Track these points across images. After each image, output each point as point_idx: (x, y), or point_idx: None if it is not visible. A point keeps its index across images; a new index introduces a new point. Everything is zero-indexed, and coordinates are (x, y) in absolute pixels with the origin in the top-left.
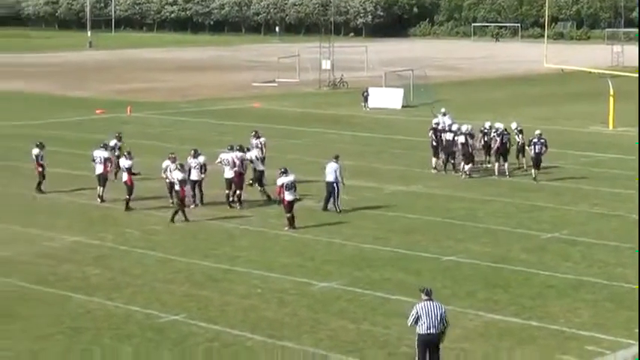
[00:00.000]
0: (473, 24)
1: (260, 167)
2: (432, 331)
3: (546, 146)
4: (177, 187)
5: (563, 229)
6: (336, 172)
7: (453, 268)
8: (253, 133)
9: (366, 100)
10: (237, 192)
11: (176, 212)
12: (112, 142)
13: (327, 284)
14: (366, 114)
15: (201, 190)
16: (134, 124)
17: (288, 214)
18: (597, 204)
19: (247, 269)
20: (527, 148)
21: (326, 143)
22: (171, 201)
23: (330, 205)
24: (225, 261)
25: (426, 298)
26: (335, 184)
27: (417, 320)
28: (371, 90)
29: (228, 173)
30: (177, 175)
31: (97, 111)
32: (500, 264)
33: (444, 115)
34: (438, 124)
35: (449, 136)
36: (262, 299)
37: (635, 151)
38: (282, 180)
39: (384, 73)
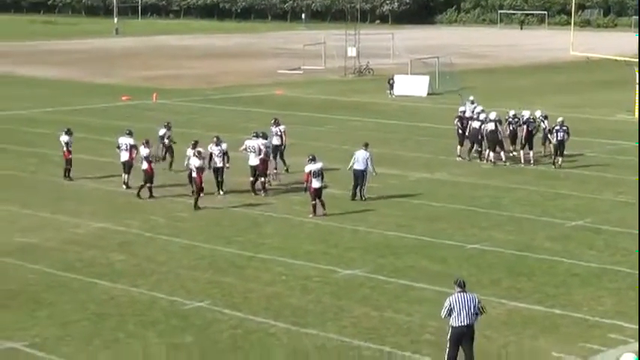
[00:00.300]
0: (499, 11)
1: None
2: (466, 322)
3: (568, 134)
4: (194, 174)
5: (587, 217)
6: (367, 160)
7: (476, 256)
8: (273, 120)
9: (391, 87)
10: (262, 179)
11: (197, 200)
12: (162, 132)
13: (350, 271)
14: (392, 101)
15: (222, 178)
16: (159, 111)
17: (314, 202)
18: (622, 192)
19: (271, 256)
20: (549, 135)
21: (351, 131)
22: (192, 190)
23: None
24: (249, 248)
25: (459, 290)
26: (364, 172)
27: (450, 312)
28: (396, 77)
29: (254, 160)
30: (194, 162)
31: (123, 98)
32: (525, 252)
33: (472, 103)
34: (464, 112)
35: (475, 124)
36: (286, 286)
37: None
38: (310, 167)
39: (409, 61)
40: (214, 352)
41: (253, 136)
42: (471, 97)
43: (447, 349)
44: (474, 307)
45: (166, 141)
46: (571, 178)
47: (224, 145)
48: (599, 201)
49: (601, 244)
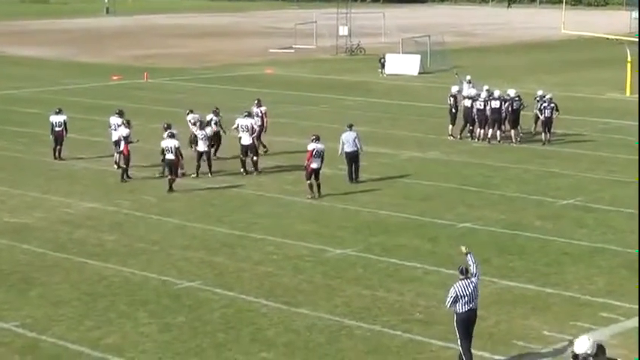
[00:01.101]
0: None
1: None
2: (472, 306)
3: (557, 110)
4: (168, 156)
5: (578, 195)
6: (355, 140)
7: (468, 235)
8: (256, 101)
9: (382, 66)
10: (255, 158)
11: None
12: (209, 117)
13: (342, 251)
14: (383, 80)
15: (209, 161)
16: (150, 90)
17: (309, 182)
18: (613, 171)
19: (263, 236)
20: (535, 111)
21: (342, 109)
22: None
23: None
24: (240, 227)
25: (462, 277)
26: (357, 153)
27: (455, 301)
28: (388, 56)
29: (247, 139)
30: (167, 144)
31: (114, 77)
32: (516, 231)
33: (469, 82)
34: (459, 91)
35: (467, 102)
36: (278, 266)
37: None
38: (313, 146)
39: (400, 40)
40: (206, 332)
41: (245, 115)
42: (468, 77)
43: (459, 340)
44: (474, 290)
45: (214, 126)
46: (562, 157)
47: (208, 130)
48: (591, 179)
49: (592, 222)
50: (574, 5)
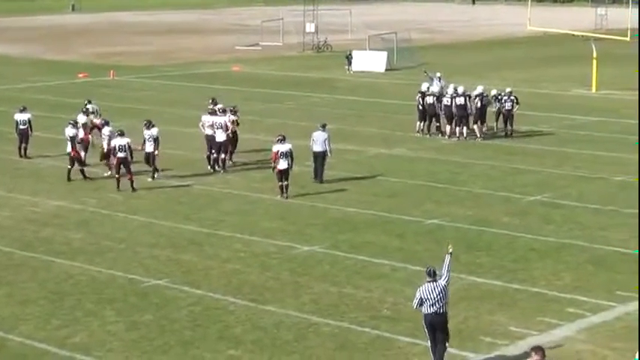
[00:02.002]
0: None
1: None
2: (439, 311)
3: (517, 102)
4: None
5: (545, 192)
6: (325, 142)
7: (435, 231)
8: (211, 100)
9: (349, 63)
10: (223, 156)
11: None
12: (222, 104)
13: (309, 248)
14: (350, 77)
15: (154, 164)
16: (115, 88)
17: (280, 183)
18: (579, 167)
19: (230, 233)
20: (493, 109)
21: (308, 107)
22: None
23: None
24: (208, 225)
25: (429, 279)
26: (324, 154)
27: (421, 303)
28: (354, 53)
29: (221, 136)
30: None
31: (80, 75)
32: (483, 227)
33: (439, 79)
34: (428, 88)
35: (429, 99)
36: (245, 263)
37: (618, 113)
38: (278, 147)
39: (367, 36)
40: (173, 330)
41: (220, 112)
42: (438, 74)
43: (428, 341)
44: (441, 294)
45: (230, 125)
46: (529, 153)
47: (154, 130)
48: (557, 176)
49: (559, 218)
50: (540, 1)
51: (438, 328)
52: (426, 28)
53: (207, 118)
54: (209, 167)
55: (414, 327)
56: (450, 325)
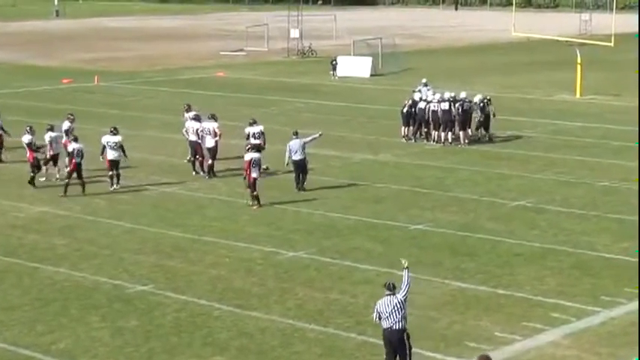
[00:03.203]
0: None
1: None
2: (395, 326)
3: (491, 105)
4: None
5: (529, 197)
6: (303, 147)
7: (420, 237)
8: (186, 107)
9: (334, 68)
10: (210, 162)
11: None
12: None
13: (294, 253)
14: (335, 83)
15: (118, 171)
16: (100, 94)
17: (253, 192)
18: (564, 172)
19: (215, 239)
20: (475, 115)
21: (293, 112)
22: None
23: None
24: (193, 231)
25: (388, 293)
26: (304, 161)
27: (379, 316)
28: (339, 59)
29: (210, 142)
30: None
31: (64, 80)
32: (468, 232)
33: (425, 85)
34: (420, 99)
35: (421, 104)
36: (230, 269)
37: (602, 118)
38: (250, 156)
39: (352, 42)
40: (158, 336)
41: (209, 118)
42: (424, 80)
43: (384, 355)
44: (399, 310)
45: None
46: (513, 158)
47: (118, 137)
48: (542, 181)
49: (544, 224)
50: (524, 7)
51: (395, 343)
52: (411, 33)
53: (192, 124)
54: (194, 172)
55: None
56: (435, 330)
